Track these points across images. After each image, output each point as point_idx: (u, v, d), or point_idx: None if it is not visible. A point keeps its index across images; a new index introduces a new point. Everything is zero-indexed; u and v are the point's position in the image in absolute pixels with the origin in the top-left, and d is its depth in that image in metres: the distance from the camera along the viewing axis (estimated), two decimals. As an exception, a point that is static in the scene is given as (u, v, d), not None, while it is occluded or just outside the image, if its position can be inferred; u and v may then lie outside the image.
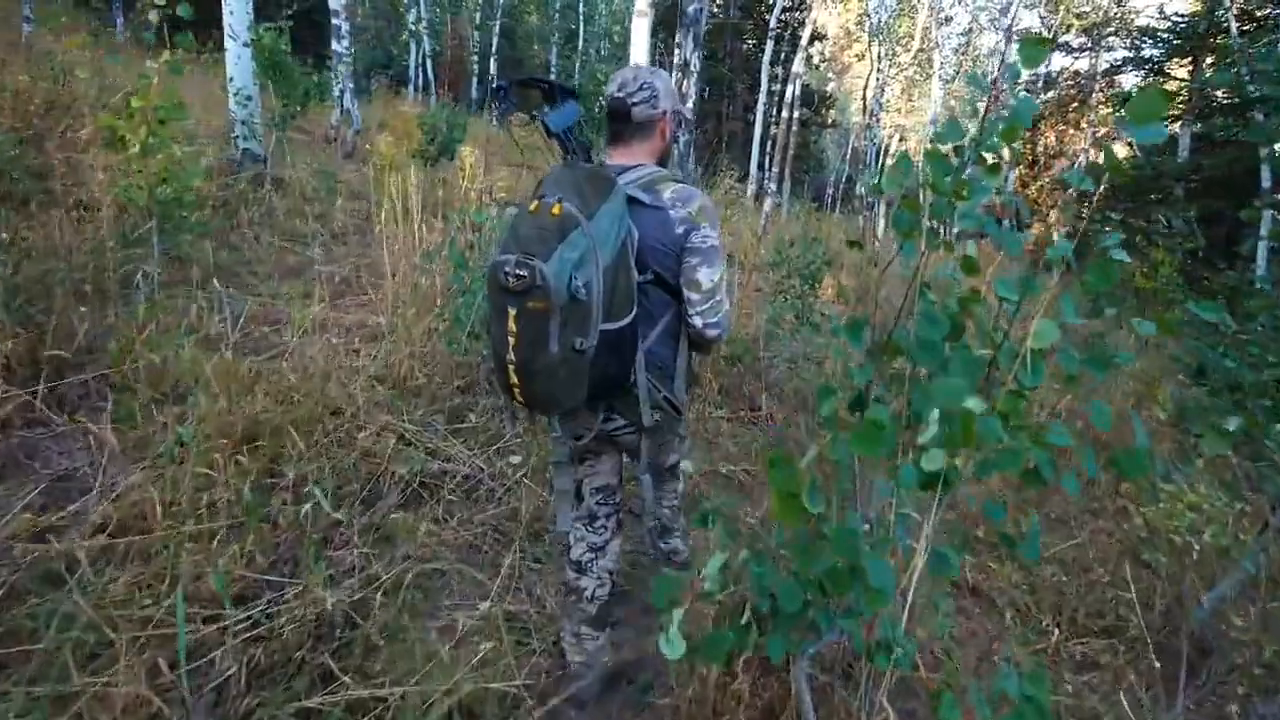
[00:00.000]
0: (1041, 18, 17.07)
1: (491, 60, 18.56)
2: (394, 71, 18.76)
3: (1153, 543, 2.58)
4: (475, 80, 19.53)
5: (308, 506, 1.91)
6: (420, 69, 17.95)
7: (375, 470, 2.25)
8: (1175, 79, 13.09)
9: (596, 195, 1.31)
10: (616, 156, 1.53)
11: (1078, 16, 17.13)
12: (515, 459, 2.52)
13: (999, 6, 16.73)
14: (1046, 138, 20.32)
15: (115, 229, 2.94)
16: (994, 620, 2.32)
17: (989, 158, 1.07)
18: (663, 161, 1.56)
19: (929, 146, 1.08)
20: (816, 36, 17.64)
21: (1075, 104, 18.89)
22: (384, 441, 2.34)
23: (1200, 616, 2.21)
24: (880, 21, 15.06)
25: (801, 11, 15.97)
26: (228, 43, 5.01)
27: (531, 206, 1.30)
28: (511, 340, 1.27)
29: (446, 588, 1.95)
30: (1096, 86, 17.62)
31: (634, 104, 1.47)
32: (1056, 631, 2.24)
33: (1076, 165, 18.03)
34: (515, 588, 2.00)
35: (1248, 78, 9.08)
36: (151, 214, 2.82)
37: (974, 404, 0.96)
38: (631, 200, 1.39)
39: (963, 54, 18.69)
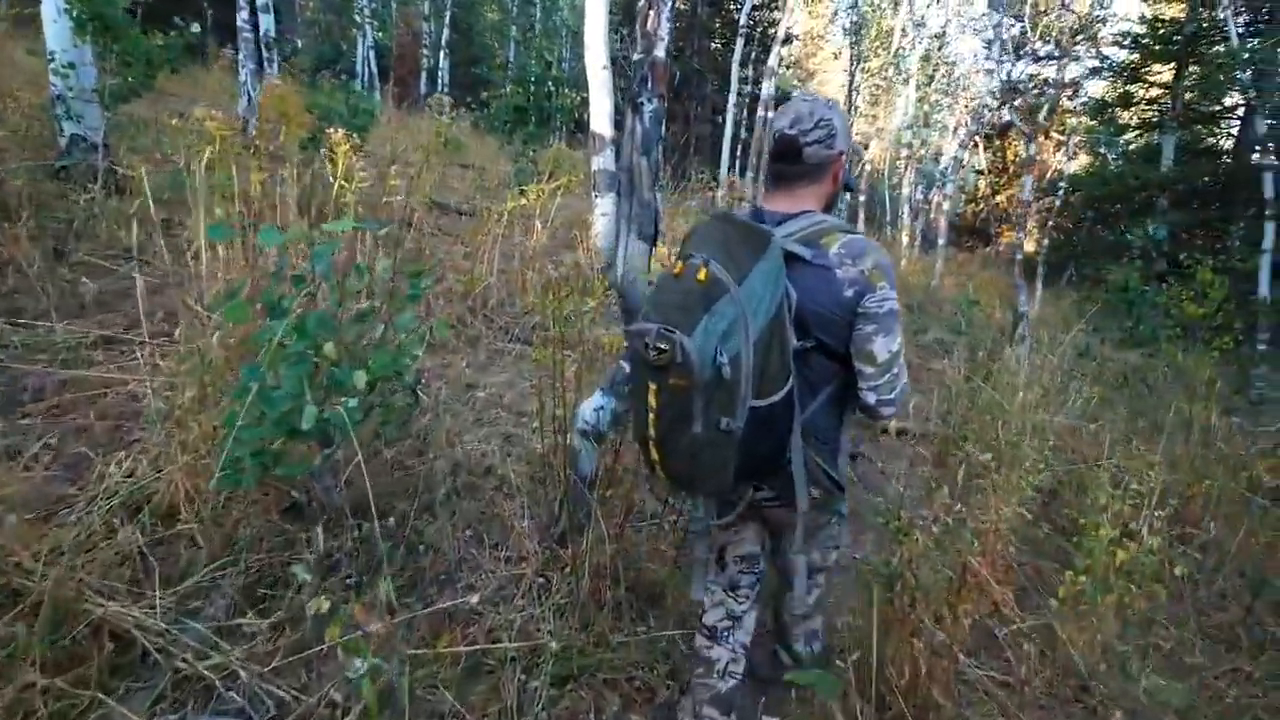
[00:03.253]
0: (1013, 24, 16.63)
1: (442, 53, 17.33)
2: (342, 66, 17.96)
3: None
4: (425, 75, 18.31)
5: None
6: (365, 63, 16.83)
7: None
8: (1156, 85, 12.61)
9: (748, 254, 1.19)
10: (777, 202, 1.38)
11: (1048, 27, 16.76)
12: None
13: (978, 12, 16.21)
14: (1015, 146, 20.06)
15: None
16: None
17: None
18: (829, 208, 1.41)
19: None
20: (789, 38, 16.88)
21: (1045, 112, 18.61)
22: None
23: None
24: (855, 20, 14.34)
25: (773, 10, 15.28)
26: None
27: (676, 269, 1.22)
28: (652, 416, 1.20)
29: None
30: (1065, 95, 17.35)
31: (807, 143, 1.32)
32: None
33: (1048, 175, 17.77)
34: None
35: (1248, 82, 8.46)
36: None
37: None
38: (790, 257, 1.25)
39: (936, 61, 18.17)
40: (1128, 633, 2.31)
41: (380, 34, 19.00)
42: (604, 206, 6.03)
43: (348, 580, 1.83)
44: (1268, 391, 5.74)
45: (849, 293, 1.26)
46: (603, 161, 6.02)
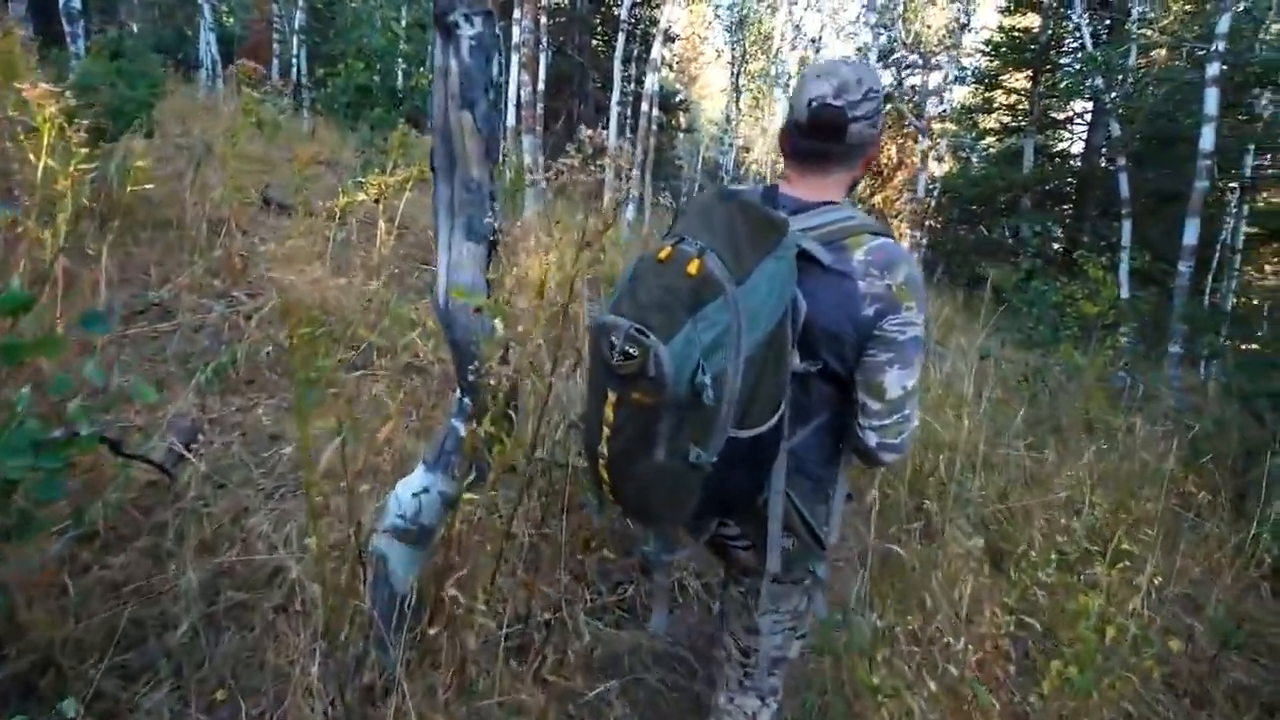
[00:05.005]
0: (879, 33, 17.32)
1: (296, 40, 15.65)
2: (185, 54, 16.01)
3: None
4: (278, 65, 16.52)
5: None
6: (208, 50, 14.96)
7: None
8: (1014, 91, 13.39)
9: (755, 247, 0.96)
10: (799, 186, 1.13)
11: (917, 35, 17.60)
12: None
13: (850, 17, 16.70)
14: (887, 150, 21.06)
15: None
16: None
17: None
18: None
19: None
20: (670, 37, 16.64)
21: (913, 117, 19.63)
22: None
23: None
24: (735, 20, 14.27)
25: (654, 9, 15.00)
26: None
27: (661, 253, 0.98)
28: (606, 431, 0.98)
29: None
30: (930, 101, 18.35)
31: (854, 118, 1.07)
32: None
33: (919, 176, 18.72)
34: None
35: (1102, 87, 8.94)
36: None
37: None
38: (805, 258, 1.01)
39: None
40: None
41: (229, 19, 17.14)
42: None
43: None
44: (1145, 384, 5.90)
45: (869, 311, 1.04)
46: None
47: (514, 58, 9.60)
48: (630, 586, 2.15)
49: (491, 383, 1.24)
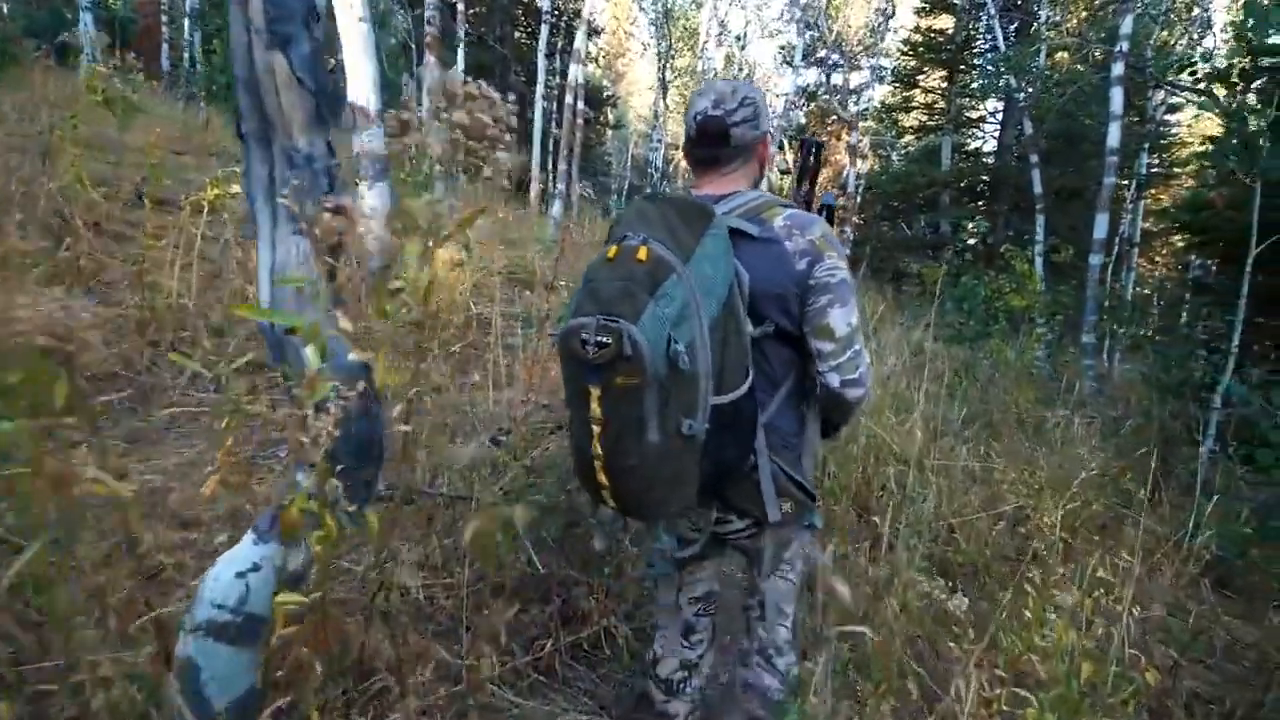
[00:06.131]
0: (804, 31, 17.54)
1: (187, 22, 14.40)
2: (63, 38, 14.45)
3: None
4: (168, 50, 15.16)
5: None
6: (86, 33, 13.52)
7: None
8: (931, 90, 13.77)
9: (691, 231, 1.08)
10: (706, 186, 1.29)
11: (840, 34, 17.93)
12: None
13: (773, 16, 16.80)
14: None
15: None
16: None
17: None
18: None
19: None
20: (594, 29, 16.29)
21: (835, 117, 20.04)
22: None
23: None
24: (660, 13, 14.08)
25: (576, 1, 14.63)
26: None
27: (609, 252, 1.06)
28: (596, 429, 1.01)
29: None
30: (852, 100, 18.76)
31: (734, 123, 1.23)
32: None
33: (847, 173, 19.13)
34: None
35: (1015, 86, 9.21)
36: None
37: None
38: (735, 233, 1.15)
39: (739, 62, 18.66)
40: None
41: (114, 2, 15.69)
42: (373, 199, 4.77)
43: None
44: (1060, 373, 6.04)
45: (801, 265, 1.18)
46: (368, 140, 4.77)
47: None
48: (549, 642, 1.83)
49: (325, 423, 0.90)
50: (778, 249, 1.17)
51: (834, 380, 1.18)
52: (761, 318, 1.17)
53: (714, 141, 1.25)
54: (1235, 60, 3.38)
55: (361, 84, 4.56)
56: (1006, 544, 2.54)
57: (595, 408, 0.99)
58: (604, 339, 0.95)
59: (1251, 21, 3.08)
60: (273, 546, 1.11)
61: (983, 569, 2.39)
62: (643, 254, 1.01)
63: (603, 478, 1.04)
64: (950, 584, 2.42)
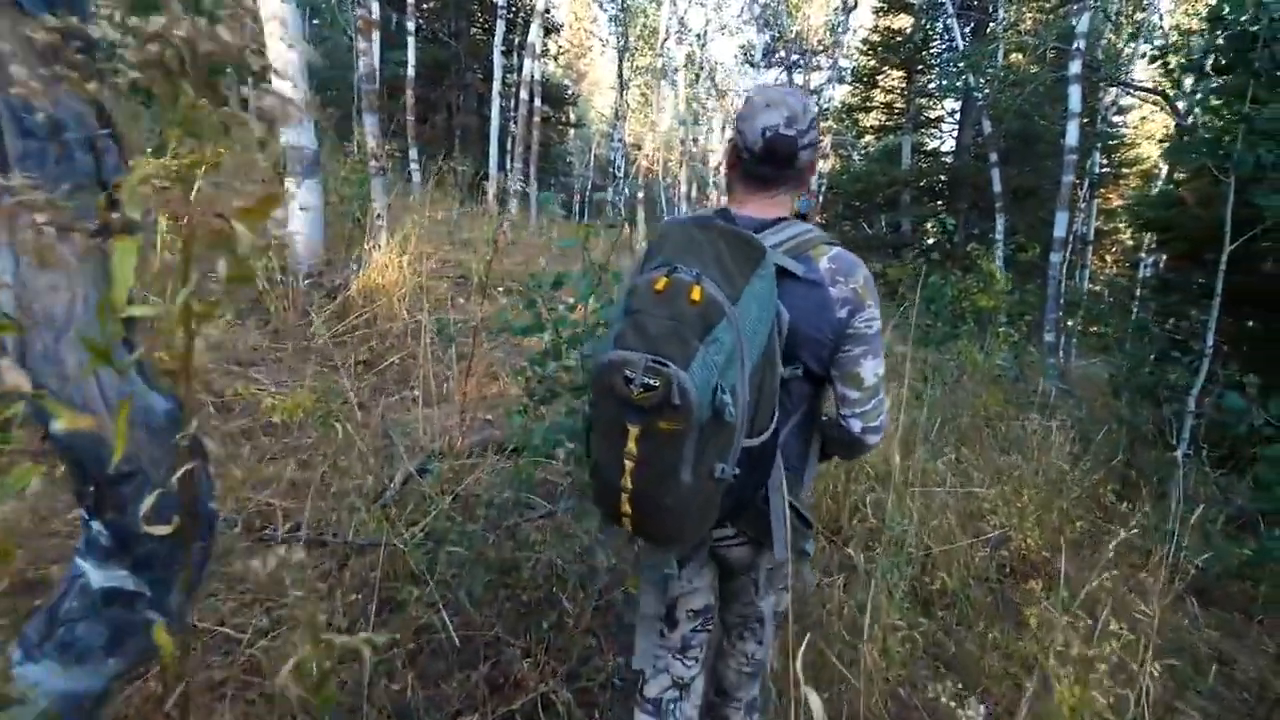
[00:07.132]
0: (764, 30, 17.52)
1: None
2: None
3: None
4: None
5: None
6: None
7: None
8: (890, 90, 13.81)
9: (741, 270, 1.02)
10: (751, 207, 1.21)
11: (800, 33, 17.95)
12: None
13: (733, 14, 16.74)
14: (773, 147, 21.48)
15: None
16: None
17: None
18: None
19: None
20: (551, 25, 15.95)
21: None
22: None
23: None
24: (620, 9, 13.83)
25: (531, -4, 14.28)
26: None
27: (657, 283, 0.99)
28: (629, 464, 0.99)
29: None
30: (814, 100, 18.88)
31: (804, 146, 1.16)
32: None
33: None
34: None
35: (973, 85, 9.22)
36: None
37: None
38: (781, 272, 1.10)
39: (700, 61, 18.54)
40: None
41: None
42: (304, 197, 4.40)
43: None
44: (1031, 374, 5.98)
45: (842, 313, 1.14)
46: (296, 135, 4.40)
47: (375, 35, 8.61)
48: (475, 715, 1.55)
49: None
50: (820, 294, 1.13)
51: (855, 426, 1.18)
52: (793, 358, 1.15)
53: (781, 163, 1.17)
54: (1210, 51, 3.28)
55: (286, 70, 4.19)
56: (988, 568, 2.35)
57: (632, 446, 0.97)
58: (651, 381, 0.92)
59: (1227, 8, 2.97)
60: (49, 663, 0.81)
61: (964, 600, 2.19)
62: (697, 294, 0.97)
63: (627, 508, 1.02)
64: (932, 614, 2.21)
